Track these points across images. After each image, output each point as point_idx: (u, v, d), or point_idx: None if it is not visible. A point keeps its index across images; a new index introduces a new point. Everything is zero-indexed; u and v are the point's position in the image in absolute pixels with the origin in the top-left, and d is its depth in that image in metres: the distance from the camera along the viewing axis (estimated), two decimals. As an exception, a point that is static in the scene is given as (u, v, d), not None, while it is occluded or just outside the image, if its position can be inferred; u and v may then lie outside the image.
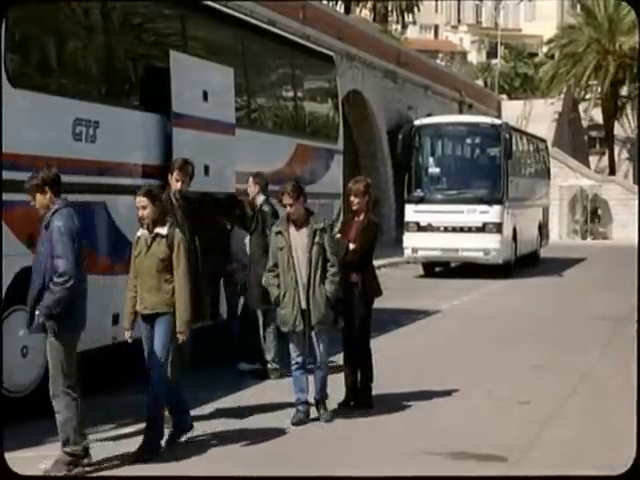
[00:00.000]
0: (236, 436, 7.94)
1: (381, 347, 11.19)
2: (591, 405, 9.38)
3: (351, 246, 8.88)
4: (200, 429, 7.95)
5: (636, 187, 48.95)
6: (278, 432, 8.09)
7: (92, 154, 9.17)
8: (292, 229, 8.33)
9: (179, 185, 8.33)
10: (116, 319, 9.41)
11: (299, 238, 8.29)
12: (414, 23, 56.74)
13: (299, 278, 8.25)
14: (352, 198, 9.04)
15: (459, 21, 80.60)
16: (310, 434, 8.05)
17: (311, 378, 8.51)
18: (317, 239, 8.27)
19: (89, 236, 9.06)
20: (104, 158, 9.35)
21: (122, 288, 9.50)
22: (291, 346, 8.41)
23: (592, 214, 44.70)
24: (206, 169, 10.49)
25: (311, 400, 8.52)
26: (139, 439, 7.45)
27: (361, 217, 9.01)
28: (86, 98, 9.24)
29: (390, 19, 54.48)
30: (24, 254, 7.98)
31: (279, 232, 8.38)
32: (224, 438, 7.87)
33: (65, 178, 8.67)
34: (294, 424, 8.22)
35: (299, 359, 8.36)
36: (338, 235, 9.16)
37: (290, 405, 8.66)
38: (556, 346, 13.02)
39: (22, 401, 8.19)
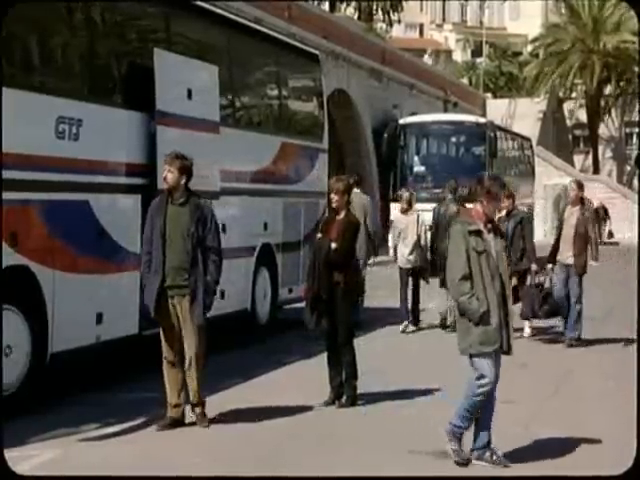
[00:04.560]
0: (229, 436, 7.94)
1: (366, 346, 11.18)
2: (573, 405, 9.39)
3: (333, 245, 8.86)
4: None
5: (621, 186, 49.17)
6: (271, 432, 8.06)
7: (75, 152, 9.12)
8: (484, 230, 7.06)
9: (164, 175, 8.08)
10: (99, 318, 9.38)
11: (492, 242, 7.06)
12: (399, 22, 56.67)
13: (505, 289, 7.06)
14: (332, 195, 9.06)
15: (444, 20, 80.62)
16: (301, 434, 8.04)
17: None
18: (503, 248, 7.21)
19: (72, 235, 9.07)
20: (87, 156, 9.30)
21: (106, 287, 9.54)
22: (487, 369, 7.01)
23: (602, 217, 42.84)
24: (190, 168, 10.45)
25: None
26: (126, 439, 7.41)
27: (341, 215, 9.01)
28: (69, 96, 9.18)
29: (375, 17, 54.48)
30: (8, 253, 7.97)
31: (477, 232, 7.02)
32: (220, 437, 7.87)
33: (48, 176, 8.74)
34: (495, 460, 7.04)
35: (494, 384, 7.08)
36: (319, 235, 9.15)
37: (280, 407, 8.62)
38: (540, 344, 13.03)
39: (5, 400, 8.14)
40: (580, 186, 13.16)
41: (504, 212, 13.15)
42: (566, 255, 12.73)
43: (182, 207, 8.03)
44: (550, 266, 12.99)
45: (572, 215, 12.91)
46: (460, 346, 7.11)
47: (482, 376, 7.02)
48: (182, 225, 7.96)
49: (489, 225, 7.06)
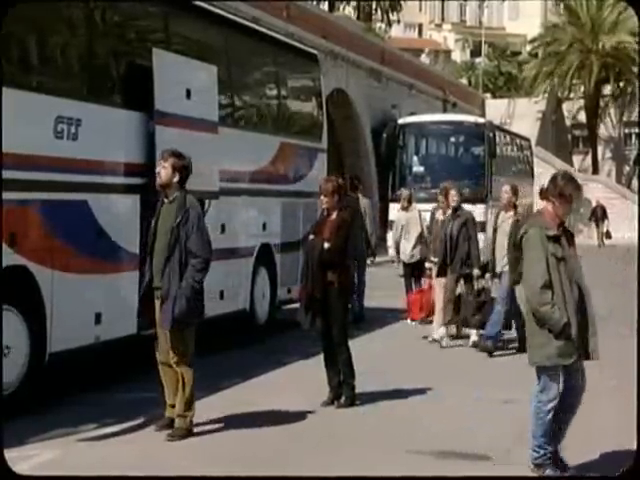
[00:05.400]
0: (228, 436, 7.93)
1: (364, 346, 11.19)
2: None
3: (326, 245, 8.88)
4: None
5: (620, 186, 49.16)
6: (270, 432, 8.05)
7: (74, 152, 9.11)
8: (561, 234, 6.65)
9: (157, 170, 7.91)
10: (98, 318, 9.37)
11: (567, 247, 6.65)
12: (398, 22, 56.72)
13: (585, 296, 6.68)
14: (322, 197, 9.13)
15: (443, 20, 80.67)
16: (300, 434, 8.03)
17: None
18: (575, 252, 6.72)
19: (71, 235, 9.06)
20: (86, 156, 9.29)
21: (105, 287, 9.53)
22: (554, 384, 6.71)
23: (600, 217, 42.40)
24: (189, 167, 10.45)
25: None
26: (125, 439, 7.39)
27: (333, 216, 9.05)
28: (68, 96, 9.17)
29: (374, 17, 54.50)
30: (7, 253, 7.96)
31: (557, 237, 6.57)
32: (219, 437, 7.85)
33: (47, 176, 8.73)
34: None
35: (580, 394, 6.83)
36: (311, 236, 9.18)
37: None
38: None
39: (4, 400, 8.13)
40: (515, 191, 12.31)
41: (449, 211, 12.74)
42: (500, 264, 11.84)
43: (171, 205, 7.84)
44: (488, 275, 12.34)
45: (505, 222, 12.07)
46: (535, 358, 6.70)
47: (545, 390, 6.71)
48: (167, 224, 7.75)
49: (561, 228, 6.64)
